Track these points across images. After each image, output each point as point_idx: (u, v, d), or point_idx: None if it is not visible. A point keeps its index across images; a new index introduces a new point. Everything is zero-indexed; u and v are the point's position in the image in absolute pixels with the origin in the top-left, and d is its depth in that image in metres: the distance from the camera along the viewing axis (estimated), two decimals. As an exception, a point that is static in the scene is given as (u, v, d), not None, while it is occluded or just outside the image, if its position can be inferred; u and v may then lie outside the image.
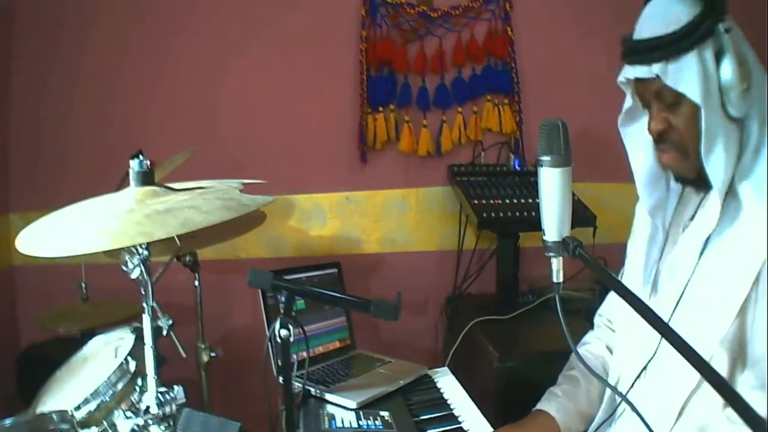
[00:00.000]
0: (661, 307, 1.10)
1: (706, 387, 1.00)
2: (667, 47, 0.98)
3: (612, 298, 1.40)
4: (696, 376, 1.01)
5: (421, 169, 2.37)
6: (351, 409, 1.40)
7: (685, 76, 0.98)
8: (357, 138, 2.33)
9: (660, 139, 1.06)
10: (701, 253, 1.05)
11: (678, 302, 1.08)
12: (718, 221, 1.03)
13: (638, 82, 1.06)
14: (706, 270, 1.05)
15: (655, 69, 1.00)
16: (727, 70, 0.96)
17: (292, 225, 2.38)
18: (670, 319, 1.07)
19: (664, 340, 1.07)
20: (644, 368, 1.13)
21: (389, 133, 2.31)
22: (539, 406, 1.30)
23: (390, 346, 2.29)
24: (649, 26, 1.02)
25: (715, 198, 1.02)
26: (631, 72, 1.05)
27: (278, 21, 2.29)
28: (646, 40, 1.01)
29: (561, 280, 0.97)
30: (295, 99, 2.32)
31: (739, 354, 1.00)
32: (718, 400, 0.99)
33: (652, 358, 1.12)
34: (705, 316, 1.01)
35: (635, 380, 1.14)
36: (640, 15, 1.06)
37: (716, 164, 1.00)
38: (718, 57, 0.97)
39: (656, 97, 1.04)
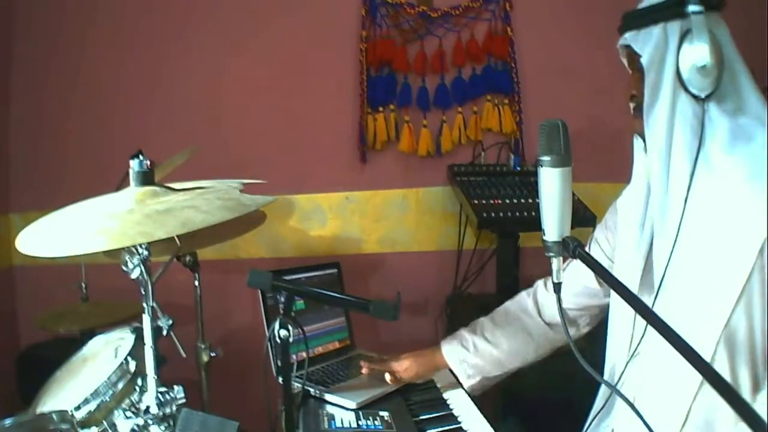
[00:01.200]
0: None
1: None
2: (639, 18, 1.13)
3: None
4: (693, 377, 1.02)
5: (421, 169, 2.37)
6: (350, 410, 1.40)
7: (646, 43, 1.11)
8: (357, 138, 2.33)
9: (633, 107, 1.17)
10: (675, 239, 1.09)
11: (657, 291, 1.12)
12: (692, 200, 1.06)
13: (628, 50, 1.17)
14: (681, 256, 1.08)
15: (628, 36, 1.15)
16: (686, 46, 1.06)
17: (292, 225, 2.38)
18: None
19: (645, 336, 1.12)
20: (627, 363, 1.17)
21: (389, 133, 2.31)
22: (450, 352, 1.48)
23: (390, 346, 2.28)
24: (643, 2, 1.15)
25: (655, 159, 1.11)
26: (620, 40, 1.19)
27: (278, 21, 2.29)
28: (631, 12, 1.15)
29: (561, 280, 0.98)
30: (295, 99, 2.32)
31: (736, 349, 1.02)
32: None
33: (632, 355, 1.15)
34: (691, 311, 1.05)
35: (622, 372, 1.18)
36: None
37: (655, 124, 1.10)
38: (685, 36, 1.07)
39: (631, 64, 1.17)
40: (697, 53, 1.05)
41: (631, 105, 1.18)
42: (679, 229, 1.08)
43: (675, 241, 1.08)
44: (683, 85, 1.07)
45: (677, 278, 1.09)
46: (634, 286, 1.17)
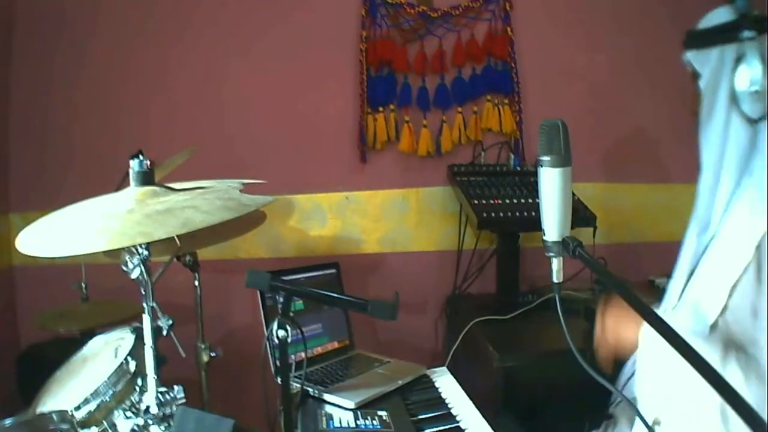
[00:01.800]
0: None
1: None
2: (699, 39, 1.21)
3: None
4: None
5: (421, 169, 2.37)
6: (349, 409, 1.40)
7: (705, 65, 1.19)
8: (357, 138, 2.33)
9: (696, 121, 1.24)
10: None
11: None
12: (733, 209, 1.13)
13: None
14: (714, 257, 1.15)
15: (689, 55, 1.23)
16: (740, 70, 1.13)
17: (292, 225, 2.38)
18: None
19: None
20: None
21: (389, 133, 2.31)
22: None
23: (390, 346, 2.29)
24: (703, 20, 1.23)
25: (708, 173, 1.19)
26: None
27: (279, 21, 2.29)
28: (693, 32, 1.23)
29: (561, 280, 0.98)
30: (295, 99, 2.32)
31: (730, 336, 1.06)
32: None
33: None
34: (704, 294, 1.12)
35: None
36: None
37: (708, 144, 1.18)
38: (740, 60, 1.13)
39: (695, 79, 1.24)
40: (750, 77, 1.11)
41: (695, 119, 1.24)
42: (716, 231, 1.15)
43: (712, 237, 1.15)
44: (737, 106, 1.14)
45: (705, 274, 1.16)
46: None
